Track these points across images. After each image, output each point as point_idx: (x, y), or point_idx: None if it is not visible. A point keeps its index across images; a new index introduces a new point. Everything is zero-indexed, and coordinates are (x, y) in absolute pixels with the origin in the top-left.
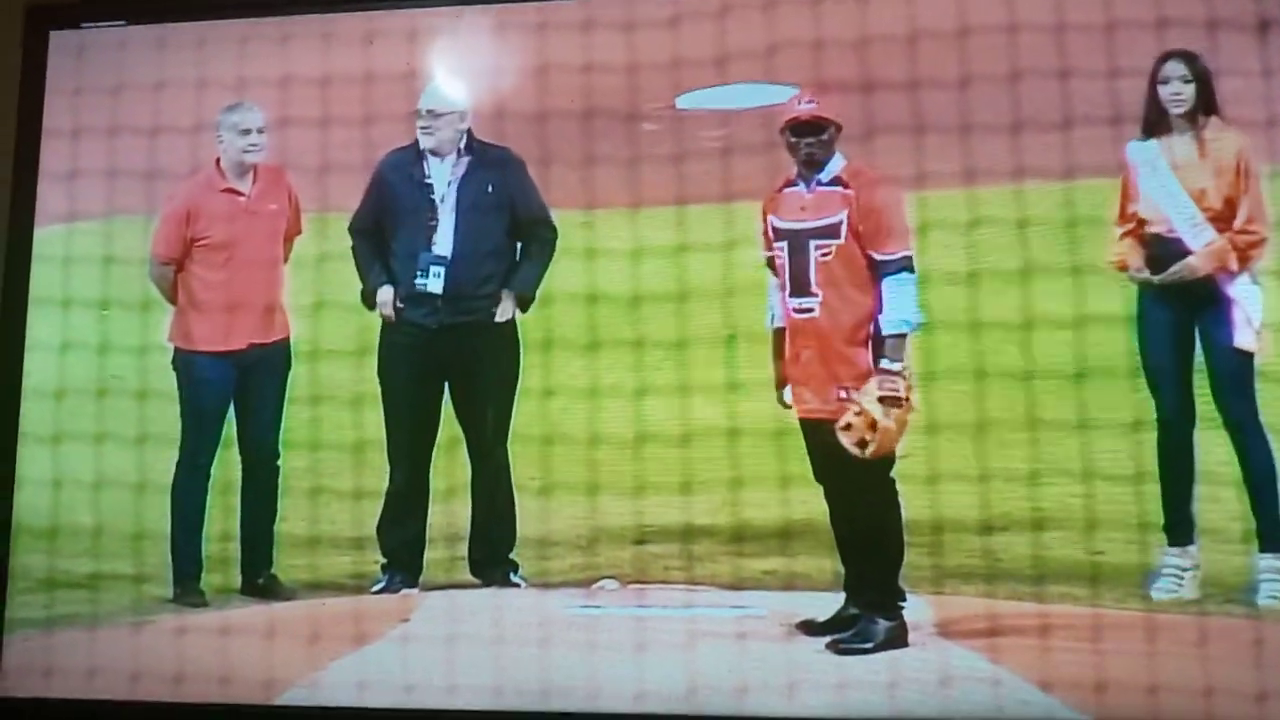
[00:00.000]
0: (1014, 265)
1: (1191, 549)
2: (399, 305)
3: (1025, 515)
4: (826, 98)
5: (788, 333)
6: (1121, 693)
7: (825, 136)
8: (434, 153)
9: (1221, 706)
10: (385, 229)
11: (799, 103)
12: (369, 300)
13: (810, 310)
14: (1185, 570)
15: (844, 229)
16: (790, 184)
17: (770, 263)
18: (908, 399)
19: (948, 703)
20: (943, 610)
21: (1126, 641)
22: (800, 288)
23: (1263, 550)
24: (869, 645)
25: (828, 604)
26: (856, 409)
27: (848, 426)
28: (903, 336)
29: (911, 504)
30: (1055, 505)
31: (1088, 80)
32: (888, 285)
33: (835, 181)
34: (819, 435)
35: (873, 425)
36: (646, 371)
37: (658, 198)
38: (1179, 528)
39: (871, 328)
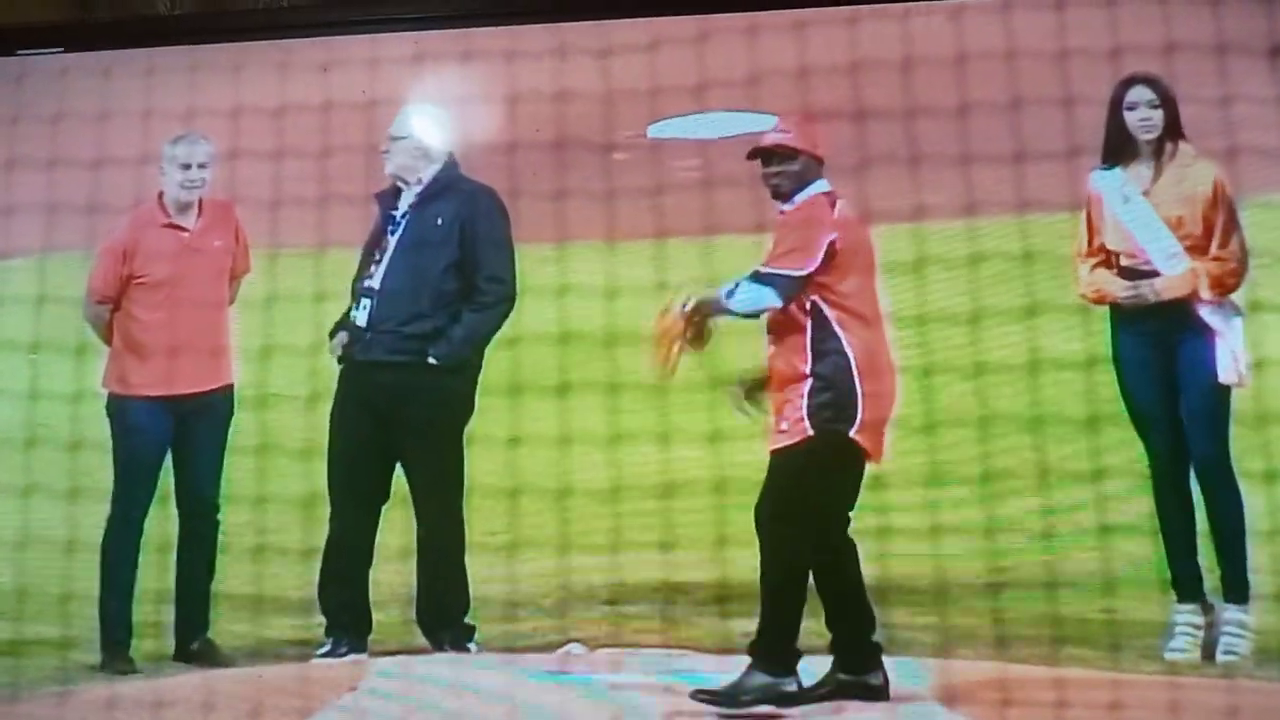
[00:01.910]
0: (1017, 302)
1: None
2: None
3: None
4: (804, 128)
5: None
6: None
7: (794, 167)
8: (398, 179)
9: None
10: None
11: (772, 130)
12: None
13: (771, 345)
14: (1199, 628)
15: None
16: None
17: None
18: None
19: None
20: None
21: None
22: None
23: (1227, 601)
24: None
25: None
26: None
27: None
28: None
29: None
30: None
31: (1040, 111)
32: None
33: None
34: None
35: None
36: (623, 416)
37: (634, 231)
38: (1187, 582)
39: (808, 346)
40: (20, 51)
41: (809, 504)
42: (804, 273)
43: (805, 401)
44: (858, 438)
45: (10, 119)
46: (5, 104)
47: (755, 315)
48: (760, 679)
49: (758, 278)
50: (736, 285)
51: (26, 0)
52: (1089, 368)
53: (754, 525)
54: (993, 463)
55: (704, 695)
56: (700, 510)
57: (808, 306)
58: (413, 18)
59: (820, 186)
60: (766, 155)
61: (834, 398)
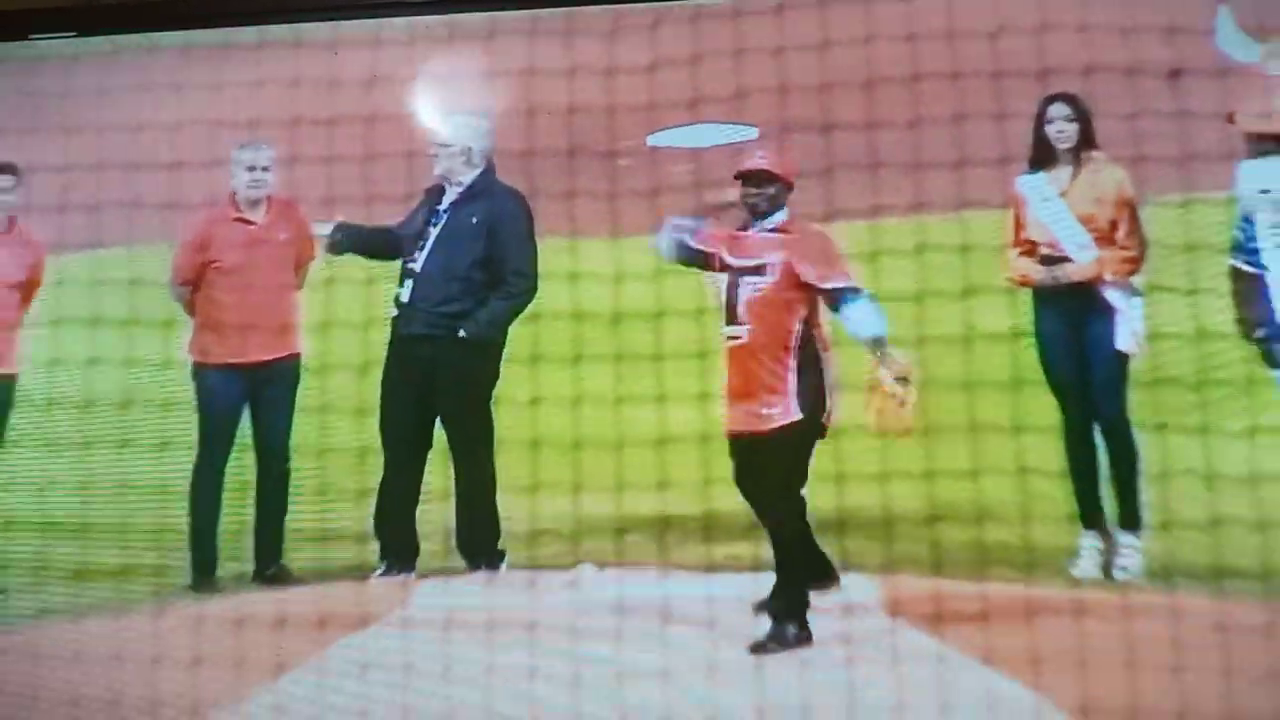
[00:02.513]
0: (955, 285)
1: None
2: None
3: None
4: (782, 156)
5: (722, 357)
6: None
7: (772, 190)
8: (444, 179)
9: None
10: None
11: (755, 155)
12: None
13: (738, 337)
14: (1100, 552)
15: (777, 270)
16: (742, 228)
17: None
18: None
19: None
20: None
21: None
22: (731, 318)
23: (1123, 529)
24: (779, 649)
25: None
26: (880, 398)
27: (879, 411)
28: (880, 339)
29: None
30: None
31: (978, 123)
32: (853, 306)
33: (775, 230)
34: (737, 450)
35: (899, 402)
36: (625, 382)
37: (635, 227)
38: (1090, 514)
39: (794, 343)
40: (33, 36)
41: (800, 474)
42: None
43: (794, 389)
44: (826, 420)
45: (98, 127)
46: (88, 109)
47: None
48: (793, 630)
49: (867, 297)
50: (861, 313)
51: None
52: (1014, 340)
53: (746, 496)
54: (932, 418)
55: (760, 647)
56: (689, 457)
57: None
58: (418, 2)
59: (785, 211)
60: (749, 177)
61: (813, 384)
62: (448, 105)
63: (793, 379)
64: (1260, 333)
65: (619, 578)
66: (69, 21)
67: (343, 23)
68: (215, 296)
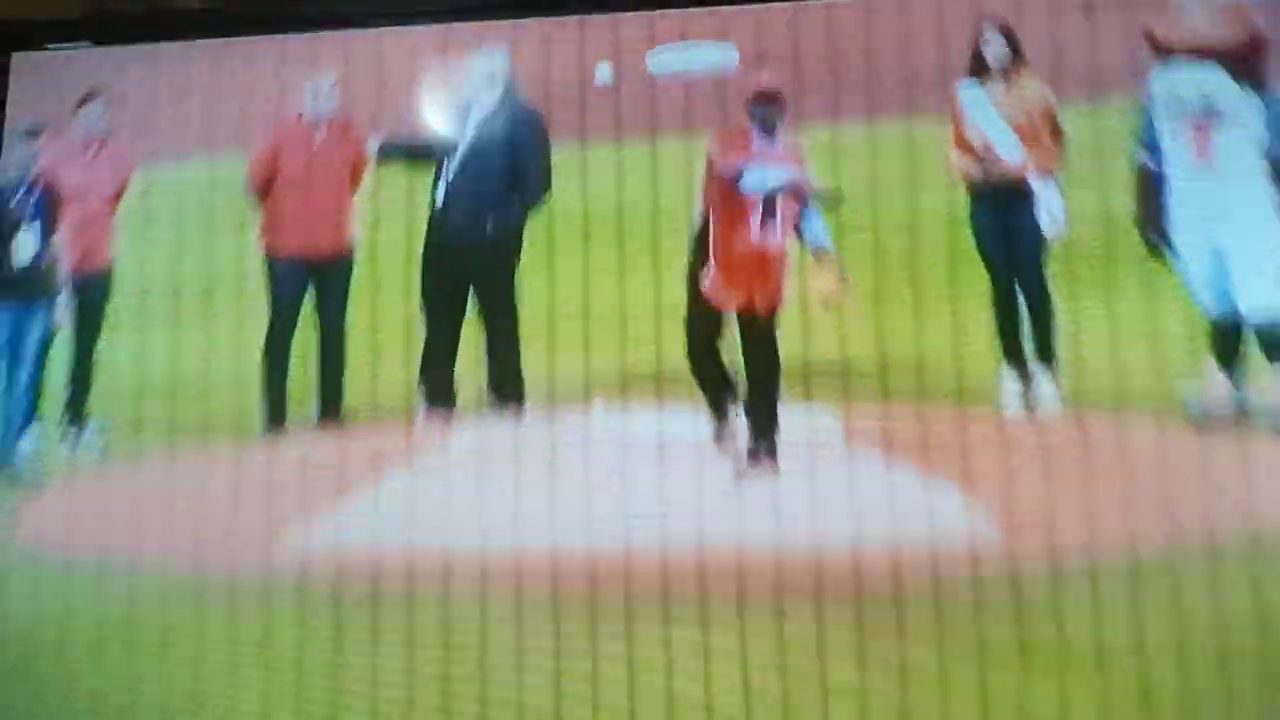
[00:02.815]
0: (904, 177)
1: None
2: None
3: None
4: (775, 76)
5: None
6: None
7: (779, 108)
8: (472, 99)
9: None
10: None
11: (761, 78)
12: None
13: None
14: (1023, 386)
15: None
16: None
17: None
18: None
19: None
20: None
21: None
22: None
23: (1041, 362)
24: (756, 470)
25: None
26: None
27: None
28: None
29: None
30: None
31: (928, 41)
32: (814, 218)
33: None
34: (743, 322)
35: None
36: (627, 258)
37: (634, 134)
38: (1014, 356)
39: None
40: (49, 46)
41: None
42: None
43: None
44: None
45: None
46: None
47: None
48: (766, 452)
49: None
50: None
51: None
52: (953, 225)
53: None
54: (883, 288)
55: (753, 456)
56: (679, 322)
57: None
58: (431, 10)
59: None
60: (762, 97)
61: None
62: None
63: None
64: (1152, 230)
65: (623, 413)
66: (84, 31)
67: None
68: (282, 200)
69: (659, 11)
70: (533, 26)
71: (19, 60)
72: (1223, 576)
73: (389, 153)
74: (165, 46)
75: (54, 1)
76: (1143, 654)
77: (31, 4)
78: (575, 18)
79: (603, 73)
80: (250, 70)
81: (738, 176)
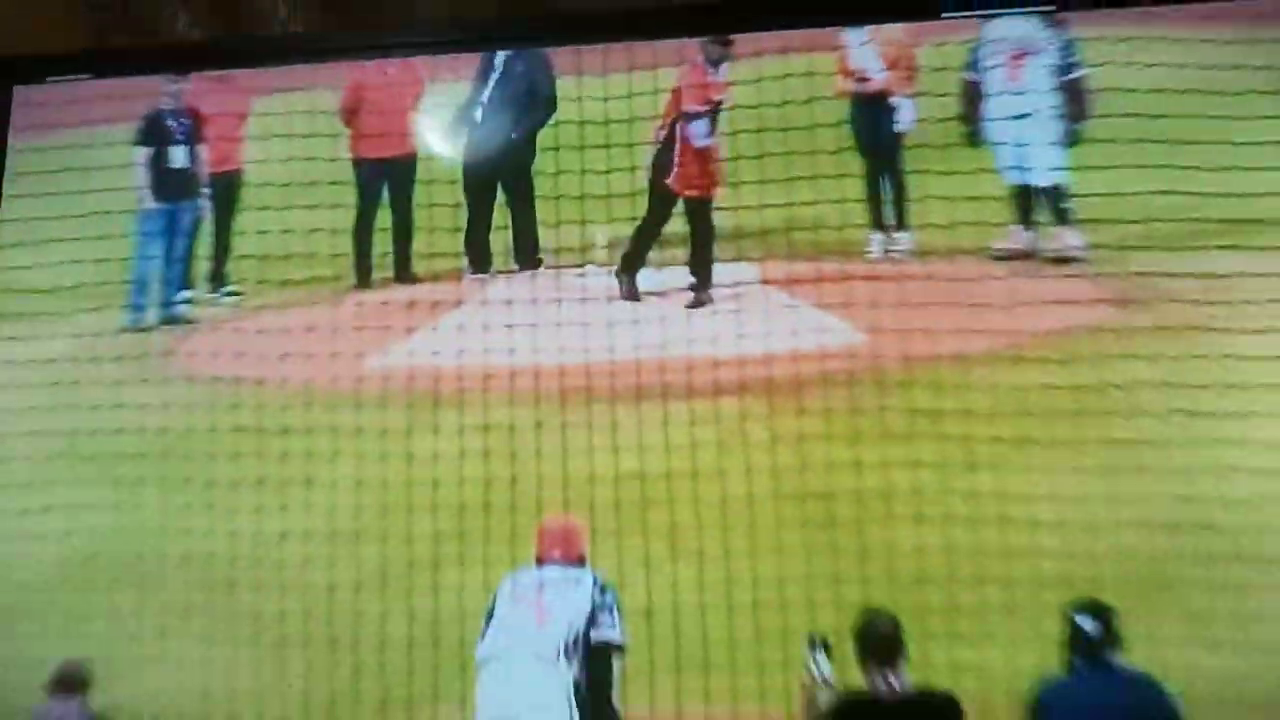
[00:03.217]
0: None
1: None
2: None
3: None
4: None
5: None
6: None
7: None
8: None
9: None
10: None
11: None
12: None
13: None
14: (886, 239)
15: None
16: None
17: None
18: None
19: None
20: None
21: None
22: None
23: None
24: (699, 305)
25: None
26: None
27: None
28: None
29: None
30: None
31: None
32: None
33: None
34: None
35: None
36: (613, 158)
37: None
38: (877, 219)
39: None
40: (50, 79)
41: None
42: None
43: None
44: None
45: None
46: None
47: None
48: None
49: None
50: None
51: (42, 29)
52: (839, 127)
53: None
54: (790, 171)
55: (691, 304)
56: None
57: None
58: (422, 42)
59: None
60: (720, 42)
61: None
62: None
63: None
64: (972, 126)
65: (608, 269)
66: (84, 65)
67: None
68: (364, 118)
69: None
70: None
71: (21, 93)
72: (1026, 372)
73: None
74: None
75: (55, 36)
76: (970, 423)
77: (33, 39)
78: None
79: None
80: None
81: (694, 115)
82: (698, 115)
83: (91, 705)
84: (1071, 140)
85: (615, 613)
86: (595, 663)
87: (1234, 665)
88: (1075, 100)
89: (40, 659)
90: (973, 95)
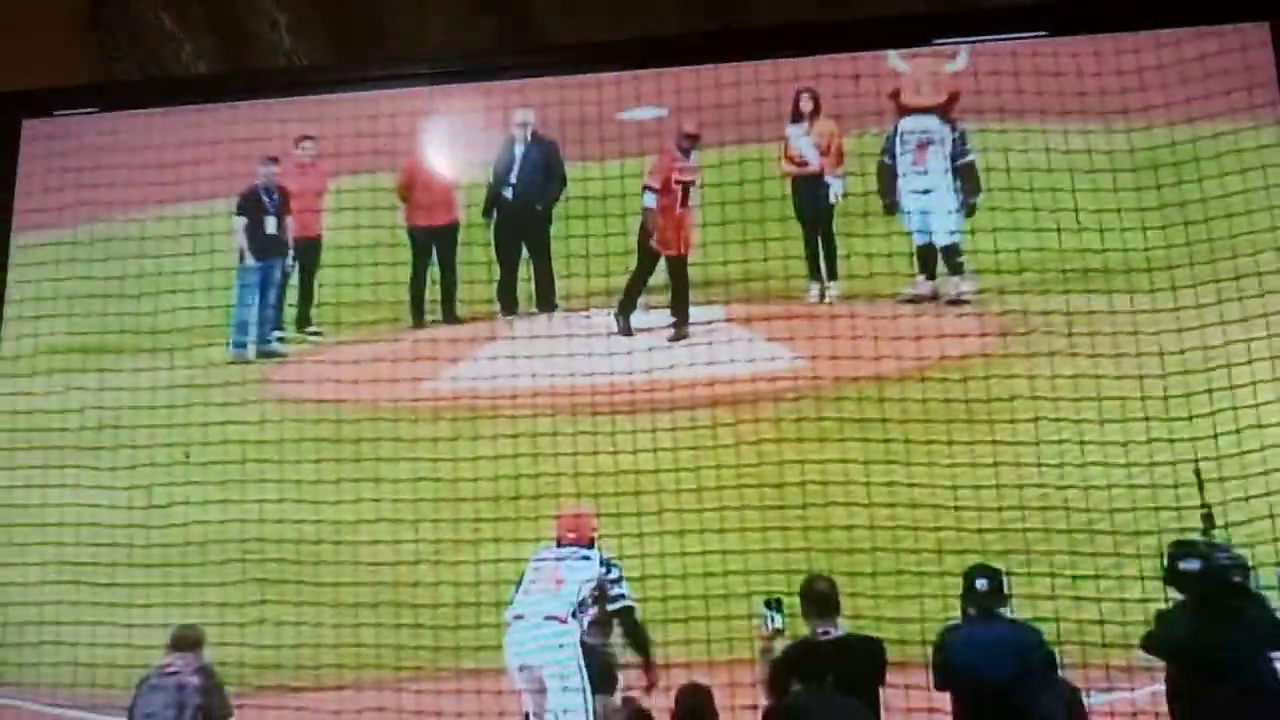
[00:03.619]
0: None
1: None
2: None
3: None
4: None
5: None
6: None
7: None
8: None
9: None
10: None
11: (689, 125)
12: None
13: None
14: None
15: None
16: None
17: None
18: None
19: None
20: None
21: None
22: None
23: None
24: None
25: None
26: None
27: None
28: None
29: None
30: None
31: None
32: None
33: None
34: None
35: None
36: (609, 224)
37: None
38: (815, 271)
39: None
40: (56, 113)
41: None
42: None
43: None
44: None
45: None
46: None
47: None
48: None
49: None
50: None
51: (50, 62)
52: (783, 201)
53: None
54: (746, 236)
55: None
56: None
57: None
58: (427, 72)
59: None
60: (690, 136)
61: None
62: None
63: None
64: (887, 199)
65: (608, 311)
66: (91, 98)
67: None
68: (416, 194)
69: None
70: (546, 84)
71: (30, 126)
72: (930, 389)
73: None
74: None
75: (61, 71)
76: (887, 428)
77: (41, 74)
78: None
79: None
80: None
81: (648, 187)
82: (649, 188)
83: (203, 659)
84: (967, 212)
85: (622, 584)
86: (624, 625)
87: (1092, 612)
88: (967, 179)
89: (163, 624)
90: (888, 174)
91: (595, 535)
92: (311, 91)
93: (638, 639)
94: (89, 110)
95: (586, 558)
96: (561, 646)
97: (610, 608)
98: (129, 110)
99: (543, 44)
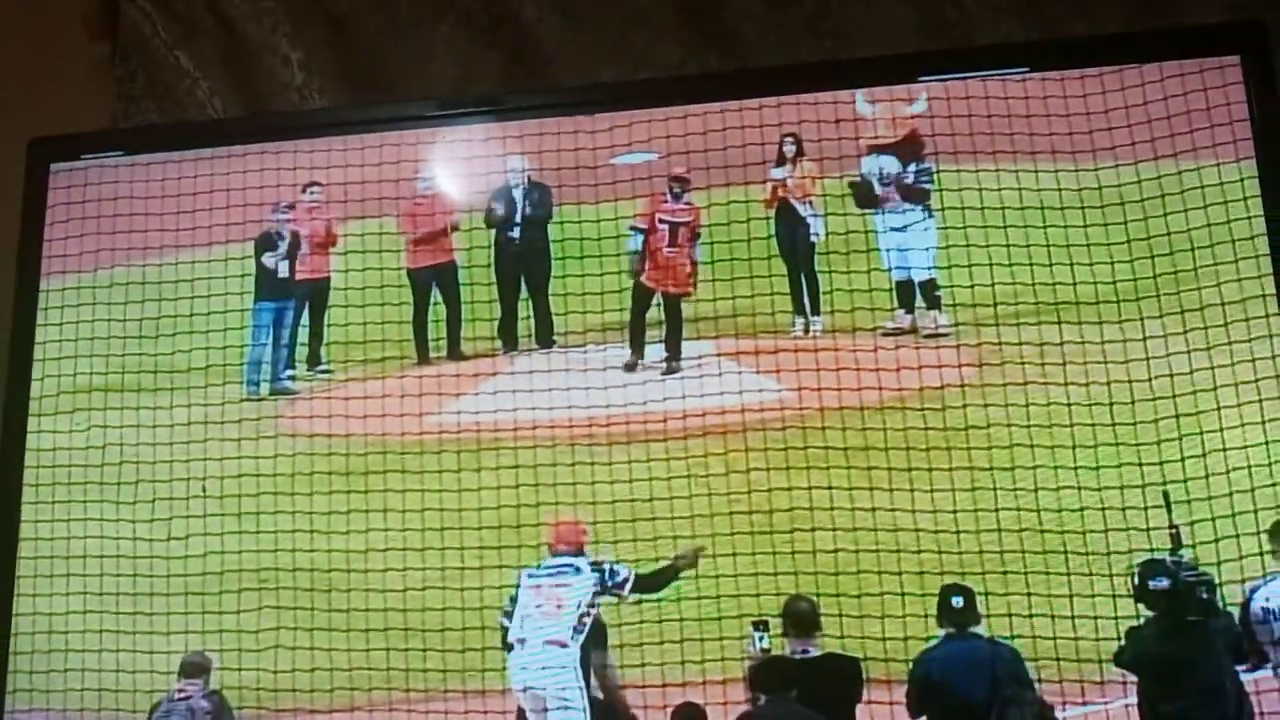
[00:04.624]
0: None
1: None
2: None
3: None
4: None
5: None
6: None
7: (685, 184)
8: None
9: None
10: None
11: (676, 170)
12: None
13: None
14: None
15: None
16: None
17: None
18: None
19: None
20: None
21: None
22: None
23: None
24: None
25: None
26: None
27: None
28: None
29: None
30: None
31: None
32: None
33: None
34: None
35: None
36: (604, 264)
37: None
38: (799, 306)
39: None
40: (84, 156)
41: None
42: None
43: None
44: None
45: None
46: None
47: None
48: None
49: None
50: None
51: (71, 107)
52: (769, 240)
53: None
54: (734, 274)
55: (669, 364)
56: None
57: None
58: (450, 114)
59: None
60: (679, 179)
61: None
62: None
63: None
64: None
65: (602, 347)
66: (116, 142)
67: None
68: (415, 238)
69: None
70: (540, 126)
71: (58, 170)
72: (909, 418)
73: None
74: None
75: (84, 115)
76: (869, 456)
77: (67, 119)
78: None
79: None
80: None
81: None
82: (634, 229)
83: (212, 684)
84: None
85: (618, 565)
86: (641, 588)
87: (1065, 630)
88: (912, 195)
89: (181, 650)
90: (860, 194)
91: (585, 540)
92: (337, 132)
93: (658, 578)
94: (114, 153)
95: (579, 570)
96: (563, 668)
97: (621, 594)
98: (152, 154)
99: (548, 85)
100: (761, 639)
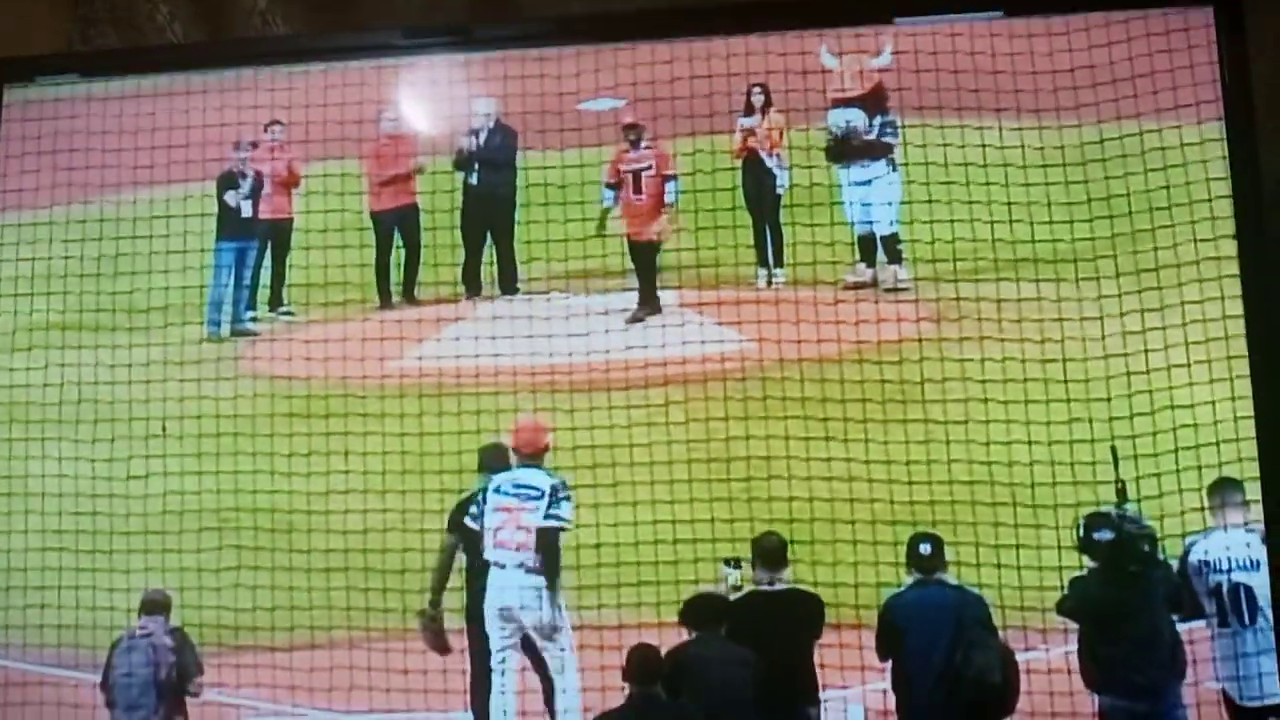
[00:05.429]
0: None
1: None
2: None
3: None
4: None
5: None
6: None
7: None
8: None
9: None
10: None
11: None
12: None
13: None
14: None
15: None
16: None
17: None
18: None
19: None
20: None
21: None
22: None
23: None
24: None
25: None
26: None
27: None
28: None
29: None
30: None
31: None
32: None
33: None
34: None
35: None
36: (568, 211)
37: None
38: (762, 257)
39: None
40: (39, 79)
41: None
42: None
43: None
44: None
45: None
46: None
47: None
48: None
49: None
50: None
51: (25, 29)
52: (734, 191)
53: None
54: (700, 223)
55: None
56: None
57: None
58: (403, 45)
59: None
60: (633, 127)
61: None
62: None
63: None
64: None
65: (566, 294)
66: (72, 65)
67: None
68: (379, 181)
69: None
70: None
71: (11, 102)
72: (868, 370)
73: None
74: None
75: (43, 37)
76: (828, 406)
77: (22, 42)
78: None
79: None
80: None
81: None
82: (608, 185)
83: (172, 621)
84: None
85: (568, 503)
86: (542, 542)
87: (1022, 577)
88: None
89: (141, 588)
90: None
91: (548, 443)
92: (294, 60)
93: (550, 560)
94: (69, 76)
95: (542, 494)
96: (529, 592)
97: (540, 523)
98: (109, 86)
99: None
100: (732, 575)
